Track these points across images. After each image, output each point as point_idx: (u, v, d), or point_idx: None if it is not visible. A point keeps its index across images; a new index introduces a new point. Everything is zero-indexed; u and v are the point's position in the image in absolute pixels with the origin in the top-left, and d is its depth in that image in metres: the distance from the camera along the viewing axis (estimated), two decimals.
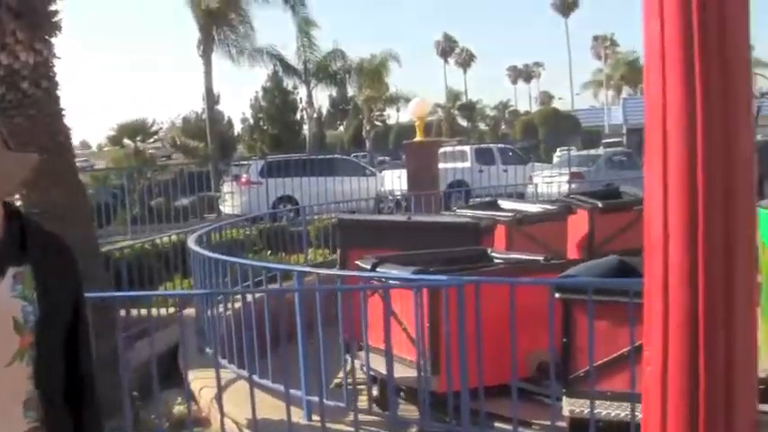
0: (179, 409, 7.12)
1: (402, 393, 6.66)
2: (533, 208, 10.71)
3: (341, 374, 6.82)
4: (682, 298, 1.83)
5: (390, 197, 22.02)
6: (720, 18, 1.80)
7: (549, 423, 5.72)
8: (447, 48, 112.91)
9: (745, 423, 1.91)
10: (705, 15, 1.79)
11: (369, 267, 6.60)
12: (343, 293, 6.39)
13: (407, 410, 6.46)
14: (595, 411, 5.22)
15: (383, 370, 6.09)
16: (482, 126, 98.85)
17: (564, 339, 5.42)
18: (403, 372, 6.25)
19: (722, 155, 1.80)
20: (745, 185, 1.84)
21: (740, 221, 1.82)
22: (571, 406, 5.43)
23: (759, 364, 5.94)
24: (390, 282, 6.34)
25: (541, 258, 6.95)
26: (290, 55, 48.70)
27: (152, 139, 37.14)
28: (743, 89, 1.83)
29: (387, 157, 43.69)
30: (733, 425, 1.87)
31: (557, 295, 5.43)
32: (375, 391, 6.53)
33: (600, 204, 10.58)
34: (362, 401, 6.44)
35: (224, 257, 7.70)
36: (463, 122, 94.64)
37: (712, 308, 1.81)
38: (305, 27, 47.10)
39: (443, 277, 6.04)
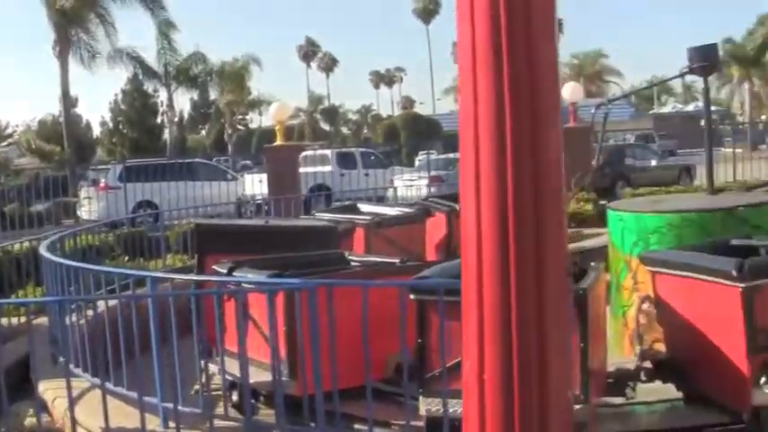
0: (31, 420, 6.92)
1: (262, 398, 6.63)
2: (392, 211, 10.82)
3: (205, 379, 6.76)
4: (495, 294, 1.90)
5: (251, 201, 21.91)
6: (527, 26, 1.87)
7: (405, 423, 5.79)
8: (309, 52, 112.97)
9: (559, 410, 1.99)
10: (513, 24, 1.86)
11: (225, 272, 6.56)
12: (202, 299, 6.33)
13: (267, 415, 6.42)
14: (450, 410, 5.31)
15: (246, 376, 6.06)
16: (345, 130, 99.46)
17: (419, 340, 5.49)
18: (262, 376, 6.23)
19: (531, 156, 1.87)
20: (553, 184, 1.91)
21: (550, 218, 1.89)
22: (427, 405, 5.50)
23: (608, 358, 6.17)
24: (244, 286, 6.32)
25: (398, 261, 7.03)
26: (151, 58, 47.90)
27: (5, 143, 36.02)
28: (551, 92, 1.90)
29: (250, 162, 43.46)
30: (547, 412, 1.94)
31: (411, 297, 5.50)
32: (235, 396, 6.49)
33: (457, 207, 10.71)
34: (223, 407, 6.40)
35: (75, 264, 7.49)
36: (326, 126, 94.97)
37: (524, 302, 1.88)
38: (165, 29, 46.47)
39: (297, 280, 6.05)
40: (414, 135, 61.30)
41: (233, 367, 6.19)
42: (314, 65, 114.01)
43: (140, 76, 50.70)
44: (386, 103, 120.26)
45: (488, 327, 1.92)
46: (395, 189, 22.28)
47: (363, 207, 11.30)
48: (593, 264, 6.10)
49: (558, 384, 2.00)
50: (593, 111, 11.01)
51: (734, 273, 5.32)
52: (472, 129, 1.94)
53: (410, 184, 23.44)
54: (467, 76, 1.94)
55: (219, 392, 6.57)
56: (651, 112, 77.83)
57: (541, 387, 1.96)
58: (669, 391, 6.24)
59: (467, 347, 2.01)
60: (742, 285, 5.28)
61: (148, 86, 53.58)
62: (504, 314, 1.91)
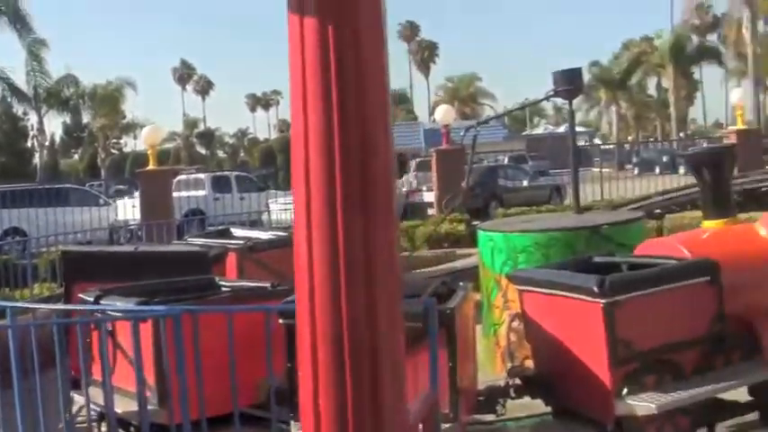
0: None
1: (132, 429, 6.48)
2: (265, 235, 10.79)
3: (74, 412, 6.58)
4: (327, 318, 1.91)
5: (124, 227, 21.49)
6: (357, 50, 1.90)
7: None
8: (185, 74, 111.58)
9: (395, 424, 2.00)
10: (342, 50, 1.89)
11: (91, 300, 6.41)
12: (72, 328, 6.16)
13: None
14: None
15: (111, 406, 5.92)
16: (221, 154, 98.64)
17: (288, 364, 5.47)
18: (130, 405, 6.10)
19: (359, 182, 1.89)
20: (384, 208, 1.93)
21: (379, 242, 1.91)
22: (299, 430, 5.47)
23: (482, 376, 6.27)
24: (109, 314, 6.19)
25: (268, 285, 6.99)
26: (21, 80, 46.51)
27: None
28: (381, 118, 1.93)
29: (124, 186, 42.56)
30: (382, 426, 1.96)
31: (280, 321, 5.48)
32: (105, 428, 6.34)
33: None
34: None
35: None
36: (202, 150, 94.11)
37: (355, 323, 1.89)
38: (35, 50, 45.26)
39: (161, 308, 5.96)
40: (290, 158, 60.99)
41: (101, 398, 6.05)
42: (189, 88, 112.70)
43: (9, 99, 49.23)
44: (263, 127, 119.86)
45: (321, 351, 1.93)
46: (269, 213, 22.17)
47: (236, 231, 11.25)
48: (461, 284, 6.20)
49: (392, 400, 2.02)
50: (462, 133, 11.22)
51: (595, 289, 5.48)
52: (303, 159, 1.95)
53: (285, 207, 23.33)
54: (297, 108, 1.95)
55: (94, 424, 6.41)
56: (524, 133, 79.49)
57: (375, 401, 1.98)
58: (538, 406, 6.37)
59: (302, 372, 2.02)
60: (603, 301, 5.45)
61: (18, 109, 52.20)
62: (336, 337, 1.92)
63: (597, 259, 6.71)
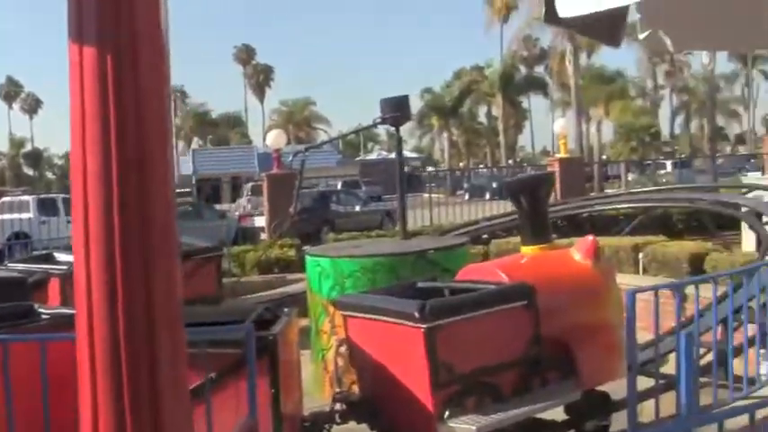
0: None
1: None
2: None
3: None
4: (106, 346, 1.91)
5: None
6: (135, 77, 1.92)
7: None
8: (11, 92, 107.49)
9: None
10: (120, 77, 1.90)
11: None
12: None
13: None
14: None
15: None
16: (50, 175, 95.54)
17: None
18: None
19: (137, 208, 1.90)
20: (163, 233, 1.94)
21: (159, 270, 1.92)
22: None
23: (308, 402, 6.24)
24: None
25: None
26: None
27: None
28: (159, 143, 1.95)
29: None
30: None
31: None
32: None
33: None
34: None
35: None
36: (30, 171, 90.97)
37: (135, 353, 1.90)
38: None
39: None
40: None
41: None
42: (16, 106, 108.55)
43: None
44: None
45: (101, 381, 1.92)
46: None
47: (60, 256, 10.88)
48: (285, 309, 6.20)
49: (175, 425, 2.03)
50: (290, 158, 11.25)
51: (416, 314, 5.57)
52: (81, 193, 1.95)
53: None
54: (77, 138, 1.95)
55: None
56: (358, 158, 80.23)
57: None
58: (364, 430, 6.42)
59: (81, 397, 2.01)
60: (424, 326, 5.54)
61: None
62: (114, 362, 1.92)
63: (421, 284, 6.82)
